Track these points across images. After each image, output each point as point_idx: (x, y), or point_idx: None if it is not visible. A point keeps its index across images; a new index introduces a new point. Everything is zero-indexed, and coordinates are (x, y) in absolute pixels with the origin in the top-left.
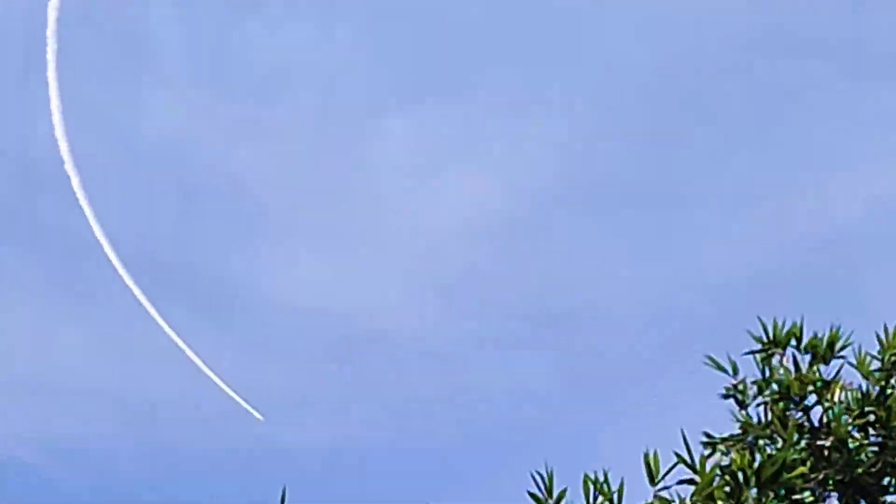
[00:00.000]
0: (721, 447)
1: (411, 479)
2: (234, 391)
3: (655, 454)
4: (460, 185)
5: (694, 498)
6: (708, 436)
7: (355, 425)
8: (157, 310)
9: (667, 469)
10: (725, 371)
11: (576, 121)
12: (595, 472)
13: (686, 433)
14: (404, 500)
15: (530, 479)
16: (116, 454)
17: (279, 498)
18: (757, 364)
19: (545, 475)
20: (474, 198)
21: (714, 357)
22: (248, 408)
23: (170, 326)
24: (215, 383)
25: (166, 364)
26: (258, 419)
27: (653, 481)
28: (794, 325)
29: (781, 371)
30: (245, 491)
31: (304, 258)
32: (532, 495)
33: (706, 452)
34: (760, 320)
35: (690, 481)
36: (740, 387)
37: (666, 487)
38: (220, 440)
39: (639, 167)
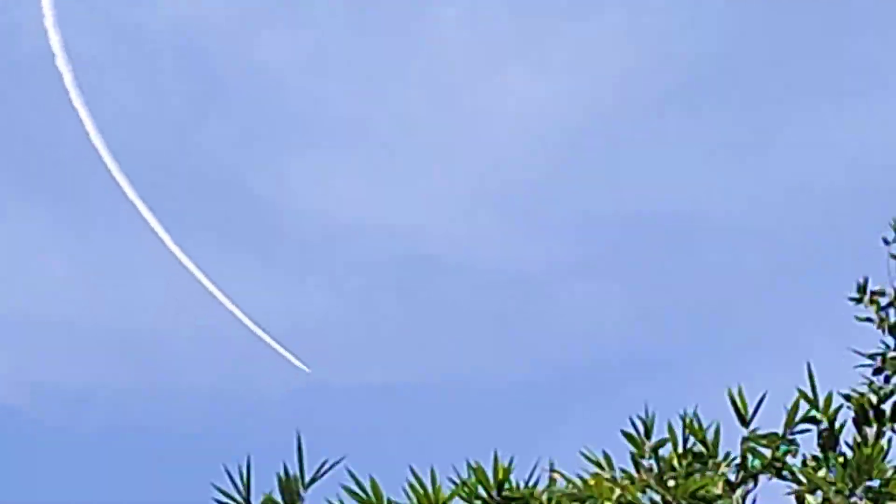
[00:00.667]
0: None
1: (475, 422)
2: (266, 332)
3: (741, 390)
4: (522, 85)
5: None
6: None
7: (408, 365)
8: (167, 230)
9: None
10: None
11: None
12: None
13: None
14: (471, 444)
15: (615, 421)
16: (124, 399)
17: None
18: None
19: (645, 417)
20: (537, 101)
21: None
22: (288, 355)
23: (181, 250)
24: (243, 322)
25: (178, 294)
26: (300, 367)
27: (744, 422)
28: None
29: None
30: (276, 441)
31: (341, 168)
32: (628, 435)
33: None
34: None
35: (813, 419)
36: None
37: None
38: (251, 385)
39: (729, 60)
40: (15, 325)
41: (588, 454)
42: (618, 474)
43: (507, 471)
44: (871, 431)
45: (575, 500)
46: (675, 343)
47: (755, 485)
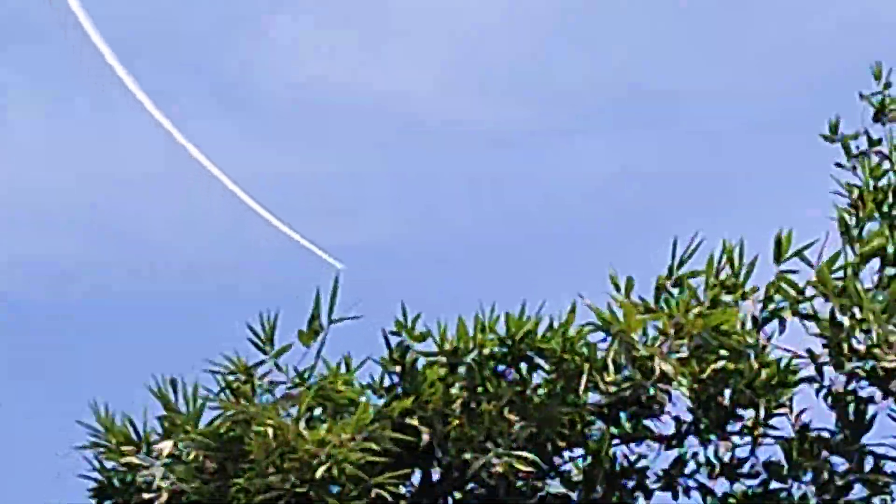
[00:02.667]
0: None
1: (468, 279)
2: (252, 197)
3: (790, 234)
4: None
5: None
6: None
7: (408, 222)
8: (147, 95)
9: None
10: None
11: None
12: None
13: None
14: (477, 296)
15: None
16: (110, 273)
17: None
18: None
19: (684, 247)
20: None
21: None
22: (275, 220)
23: (164, 115)
24: (228, 188)
25: (162, 162)
26: (288, 233)
27: (779, 258)
28: None
29: None
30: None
31: (325, 33)
32: (659, 286)
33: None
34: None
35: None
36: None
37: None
38: (240, 253)
39: None
40: None
41: (613, 276)
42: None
43: (537, 323)
44: None
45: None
46: (662, 201)
47: (782, 328)
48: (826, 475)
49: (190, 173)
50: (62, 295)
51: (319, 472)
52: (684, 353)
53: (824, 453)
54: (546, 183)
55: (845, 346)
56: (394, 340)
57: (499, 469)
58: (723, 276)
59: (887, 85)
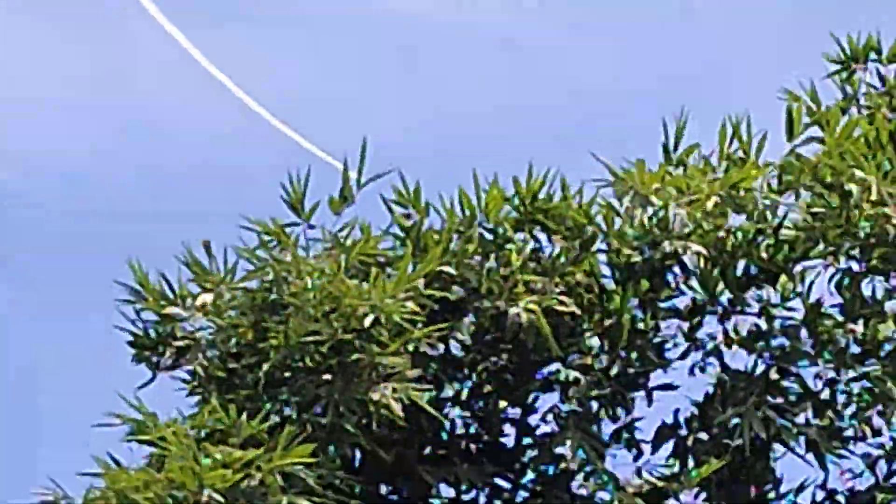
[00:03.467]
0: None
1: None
2: (260, 104)
3: (800, 107)
4: None
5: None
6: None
7: (407, 128)
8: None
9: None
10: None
11: None
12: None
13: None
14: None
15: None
16: (120, 177)
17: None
18: (838, 86)
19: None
20: None
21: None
22: (285, 128)
23: (170, 22)
24: (236, 95)
25: (171, 69)
26: (297, 139)
27: (791, 135)
28: (870, 37)
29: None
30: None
31: None
32: (664, 147)
33: None
34: (834, 36)
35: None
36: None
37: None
38: (248, 159)
39: None
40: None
41: (635, 164)
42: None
43: (542, 182)
44: None
45: (616, 189)
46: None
47: (796, 198)
48: (838, 351)
49: (196, 79)
50: (72, 196)
51: (367, 322)
52: (700, 215)
53: (837, 331)
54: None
55: (855, 214)
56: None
57: (523, 320)
58: (732, 150)
59: None
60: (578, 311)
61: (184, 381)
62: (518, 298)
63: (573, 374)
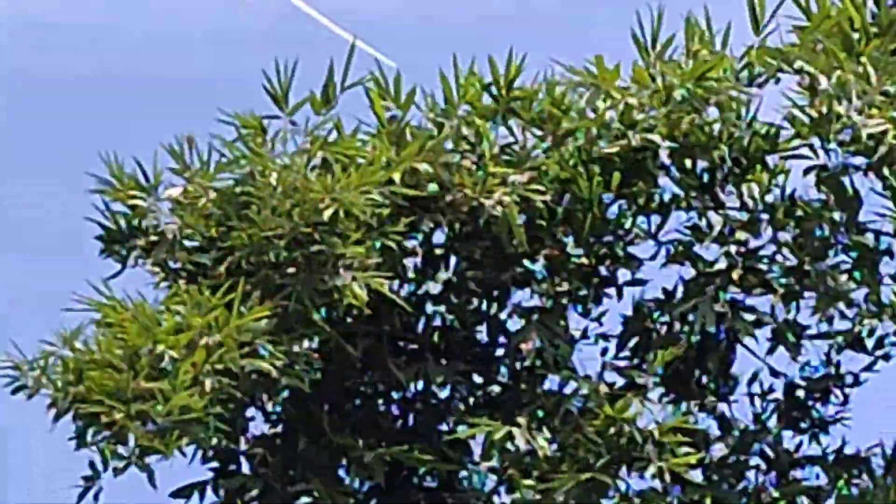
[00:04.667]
0: None
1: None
2: None
3: None
4: None
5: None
6: None
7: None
8: None
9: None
10: None
11: None
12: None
13: None
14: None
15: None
16: (118, 44)
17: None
18: None
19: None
20: None
21: None
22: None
23: None
24: None
25: None
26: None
27: (757, 29)
28: None
29: None
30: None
31: None
32: (635, 39)
33: None
34: None
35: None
36: None
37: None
38: (244, 25)
39: None
40: None
41: (594, 59)
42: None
43: (519, 68)
44: None
45: (580, 87)
46: None
47: (766, 81)
48: (810, 238)
49: None
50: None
51: (326, 215)
52: (664, 110)
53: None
54: None
55: (826, 112)
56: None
57: (497, 213)
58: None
59: None
60: (551, 203)
61: (152, 272)
62: (492, 191)
63: (543, 271)
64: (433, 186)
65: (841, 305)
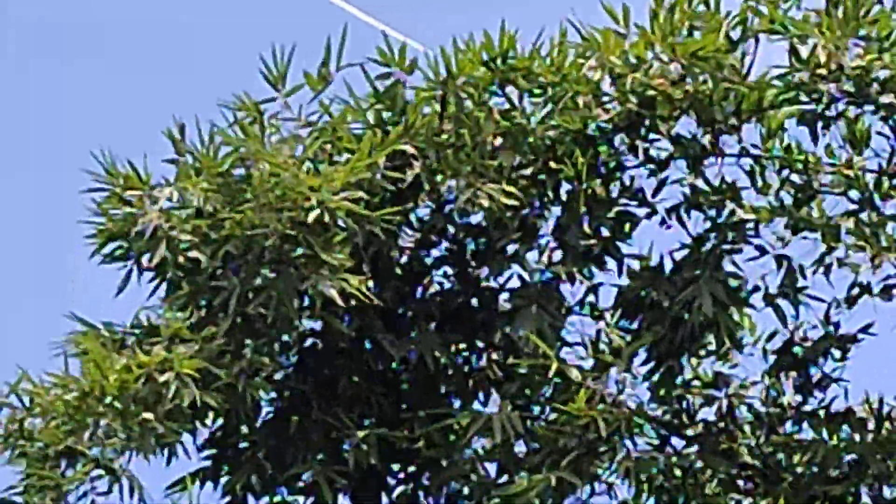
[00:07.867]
0: None
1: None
2: None
3: None
4: None
5: None
6: None
7: None
8: None
9: None
10: None
11: None
12: None
13: None
14: None
15: None
16: None
17: None
18: None
19: None
20: None
21: None
22: None
23: None
24: None
25: None
26: None
27: None
28: None
29: None
30: None
31: None
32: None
33: None
34: None
35: None
36: None
37: None
38: None
39: None
40: None
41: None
42: (633, 30)
43: (513, 39)
44: None
45: (579, 56)
46: None
47: (756, 44)
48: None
49: None
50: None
51: (311, 218)
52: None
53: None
54: None
55: (822, 61)
56: (385, 79)
57: (483, 202)
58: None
59: None
60: (543, 177)
61: (147, 270)
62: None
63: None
64: (416, 167)
65: None
